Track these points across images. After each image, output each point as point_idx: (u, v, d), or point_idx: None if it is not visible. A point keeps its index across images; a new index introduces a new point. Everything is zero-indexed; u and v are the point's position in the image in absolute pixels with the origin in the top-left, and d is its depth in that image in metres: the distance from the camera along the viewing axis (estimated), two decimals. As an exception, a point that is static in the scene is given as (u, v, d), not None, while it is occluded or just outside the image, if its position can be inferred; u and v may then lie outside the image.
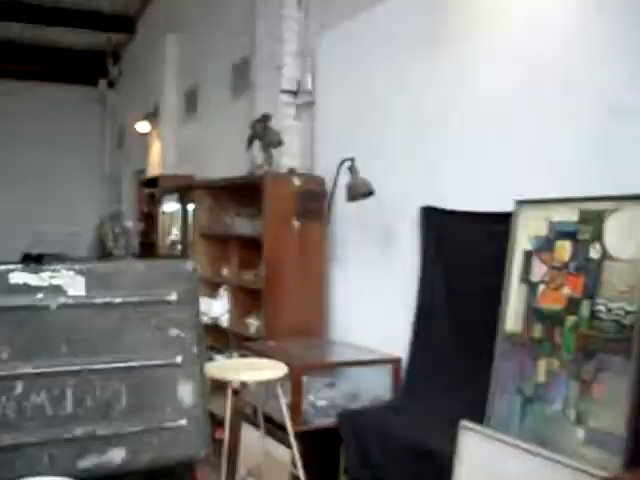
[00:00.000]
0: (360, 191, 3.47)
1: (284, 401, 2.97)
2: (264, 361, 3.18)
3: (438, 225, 3.48)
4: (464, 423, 2.54)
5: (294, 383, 3.35)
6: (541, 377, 2.64)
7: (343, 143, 4.28)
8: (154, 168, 7.87)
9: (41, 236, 10.25)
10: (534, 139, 3.03)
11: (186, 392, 1.88)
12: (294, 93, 5.00)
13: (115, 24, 9.02)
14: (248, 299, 4.50)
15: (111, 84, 10.39)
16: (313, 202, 4.05)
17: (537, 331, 2.69)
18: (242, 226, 4.51)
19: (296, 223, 4.16)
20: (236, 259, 4.67)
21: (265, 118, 4.33)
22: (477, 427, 2.51)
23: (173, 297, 1.90)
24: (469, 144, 3.38)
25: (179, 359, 1.89)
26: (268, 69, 5.17)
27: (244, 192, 4.78)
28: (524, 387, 2.69)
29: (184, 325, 1.91)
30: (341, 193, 3.78)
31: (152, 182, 7.02)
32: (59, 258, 1.94)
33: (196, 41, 7.11)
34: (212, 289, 4.98)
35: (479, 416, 2.73)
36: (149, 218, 6.88)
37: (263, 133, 4.31)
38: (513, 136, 3.13)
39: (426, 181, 3.62)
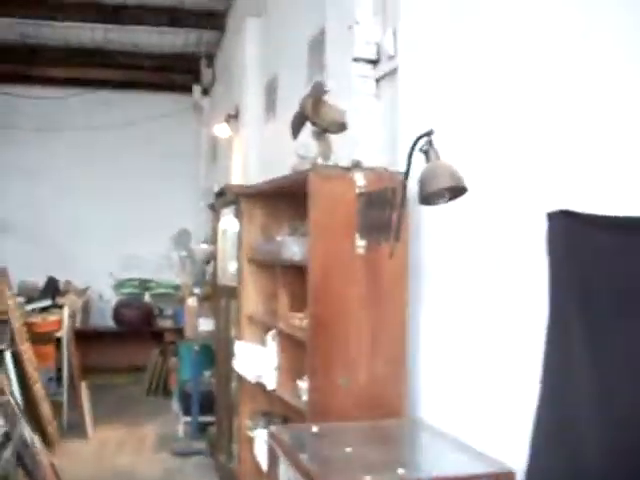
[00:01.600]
0: (439, 187, 2.01)
1: None
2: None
3: (577, 240, 1.96)
4: None
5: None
6: None
7: (438, 126, 2.85)
8: (236, 178, 6.69)
9: (130, 259, 9.34)
10: None
11: None
12: (372, 62, 3.61)
13: (203, 20, 8.00)
14: (300, 352, 3.12)
15: (206, 91, 9.41)
16: (385, 211, 2.62)
17: None
18: (290, 248, 3.14)
19: (360, 243, 2.75)
20: (285, 295, 3.30)
21: (317, 89, 2.95)
22: None
23: None
24: (618, 116, 1.87)
25: None
26: (340, 35, 3.81)
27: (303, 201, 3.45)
28: None
29: None
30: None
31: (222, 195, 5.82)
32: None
33: (274, 21, 5.88)
34: (265, 333, 3.64)
35: None
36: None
37: (315, 112, 2.94)
38: None
39: (556, 176, 2.13)
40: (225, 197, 4.93)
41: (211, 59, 9.15)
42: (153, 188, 9.59)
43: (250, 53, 6.39)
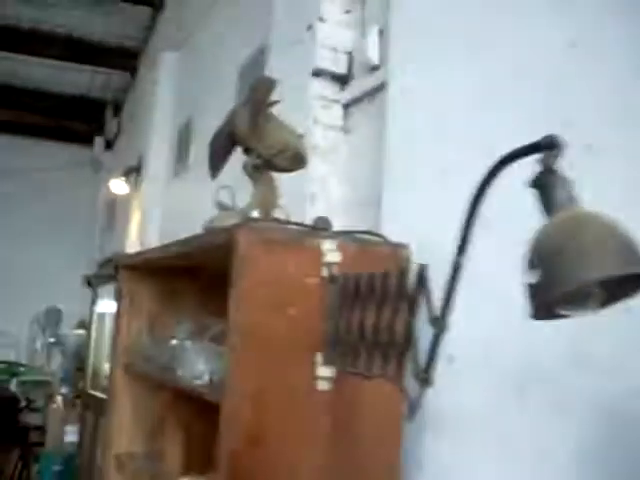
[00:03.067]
0: (591, 276, 0.74)
1: None
2: None
3: None
4: None
5: None
6: None
7: (455, 177, 1.67)
8: (134, 246, 5.31)
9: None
10: None
11: None
12: (339, 80, 2.39)
13: (112, 58, 6.70)
14: None
15: (109, 145, 8.03)
16: (385, 314, 1.32)
17: None
18: (191, 362, 1.80)
19: (324, 372, 1.46)
20: (178, 443, 1.93)
21: (261, 88, 1.68)
22: None
23: None
24: None
25: None
26: (293, 43, 2.59)
27: (220, 282, 2.17)
28: None
29: None
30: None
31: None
32: None
33: (195, 53, 4.66)
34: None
35: None
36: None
37: (255, 131, 1.67)
38: None
39: None
40: (107, 269, 3.58)
41: (118, 108, 7.83)
42: (37, 254, 8.01)
43: (162, 93, 5.13)
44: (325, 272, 1.48)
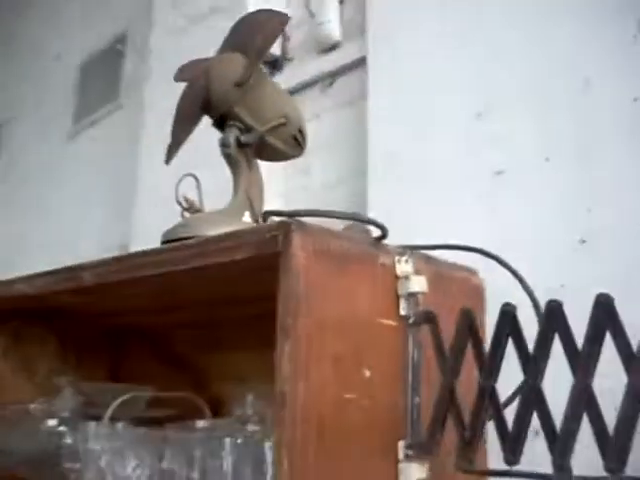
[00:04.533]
0: None
1: None
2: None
3: None
4: None
5: None
6: None
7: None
8: None
9: None
10: None
11: None
12: (272, 64, 1.84)
13: None
14: None
15: None
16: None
17: None
18: (105, 466, 1.12)
19: (411, 473, 0.88)
20: None
21: (272, 19, 1.08)
22: None
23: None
24: None
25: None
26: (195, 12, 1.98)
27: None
28: None
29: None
30: None
31: None
32: None
33: (14, 46, 3.79)
34: None
35: None
36: None
37: (245, 90, 1.07)
38: None
39: None
40: None
41: None
42: None
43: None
44: (405, 309, 0.91)
